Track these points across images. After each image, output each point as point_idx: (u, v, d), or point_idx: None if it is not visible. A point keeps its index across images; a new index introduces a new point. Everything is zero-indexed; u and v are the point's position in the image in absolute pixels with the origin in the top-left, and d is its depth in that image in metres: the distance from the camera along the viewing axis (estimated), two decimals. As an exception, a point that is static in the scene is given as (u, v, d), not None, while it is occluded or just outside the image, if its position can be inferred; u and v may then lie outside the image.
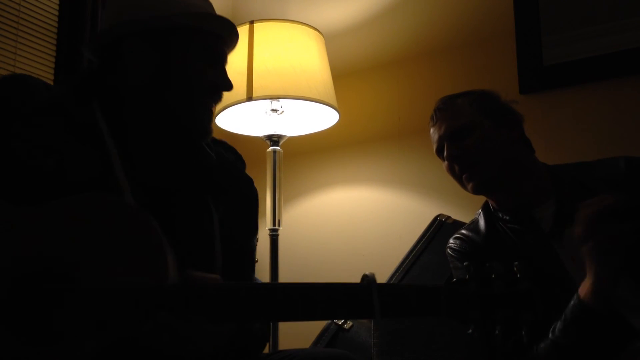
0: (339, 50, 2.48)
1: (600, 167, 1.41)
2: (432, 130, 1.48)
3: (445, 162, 1.46)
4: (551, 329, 1.19)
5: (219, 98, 1.14)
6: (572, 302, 1.14)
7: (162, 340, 0.84)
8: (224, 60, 1.15)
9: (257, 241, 1.26)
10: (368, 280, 0.84)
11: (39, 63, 2.01)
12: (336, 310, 0.84)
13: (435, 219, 2.03)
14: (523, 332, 0.84)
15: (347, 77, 2.46)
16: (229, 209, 1.16)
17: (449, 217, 2.01)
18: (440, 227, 1.97)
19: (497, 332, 0.83)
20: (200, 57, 1.09)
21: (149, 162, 1.09)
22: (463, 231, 1.52)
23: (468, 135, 1.40)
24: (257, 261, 1.28)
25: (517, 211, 1.40)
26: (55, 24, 2.08)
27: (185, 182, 1.09)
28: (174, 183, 1.07)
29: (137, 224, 0.87)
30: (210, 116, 1.12)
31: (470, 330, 0.84)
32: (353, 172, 2.42)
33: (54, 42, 2.07)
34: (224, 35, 1.14)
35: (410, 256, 1.95)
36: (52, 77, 2.05)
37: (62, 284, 0.82)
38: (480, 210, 1.50)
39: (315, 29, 2.17)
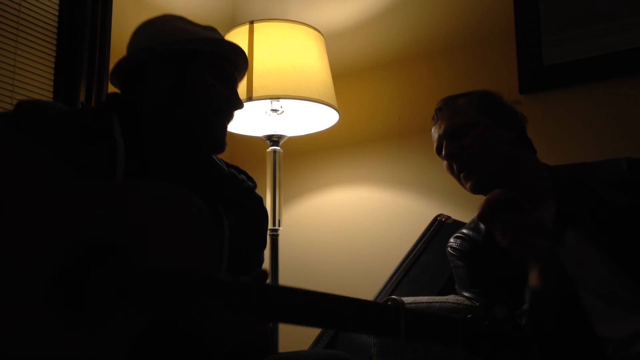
0: (339, 50, 2.48)
1: (601, 167, 1.41)
2: (433, 129, 1.49)
3: (445, 161, 1.46)
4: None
5: (231, 115, 1.25)
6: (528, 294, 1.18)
7: (202, 328, 0.88)
8: (235, 83, 1.27)
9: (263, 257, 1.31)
10: (396, 303, 0.92)
11: (39, 63, 2.01)
12: (365, 326, 0.93)
13: (435, 219, 2.02)
14: None
15: (347, 77, 2.46)
16: (239, 221, 1.21)
17: (449, 217, 2.01)
18: (440, 227, 1.97)
19: None
20: (214, 78, 1.21)
21: (163, 170, 1.16)
22: (464, 230, 1.52)
23: (466, 134, 1.40)
24: None
25: None
26: (55, 24, 2.08)
27: (197, 190, 1.11)
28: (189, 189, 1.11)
29: (202, 220, 0.94)
30: (223, 131, 1.24)
31: None
32: (353, 172, 2.42)
33: (54, 42, 2.07)
34: (235, 60, 1.27)
35: (410, 256, 1.95)
36: (52, 77, 2.05)
37: (122, 260, 0.87)
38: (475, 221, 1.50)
39: (315, 29, 2.17)
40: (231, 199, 1.22)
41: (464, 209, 2.10)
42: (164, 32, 1.22)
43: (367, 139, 2.41)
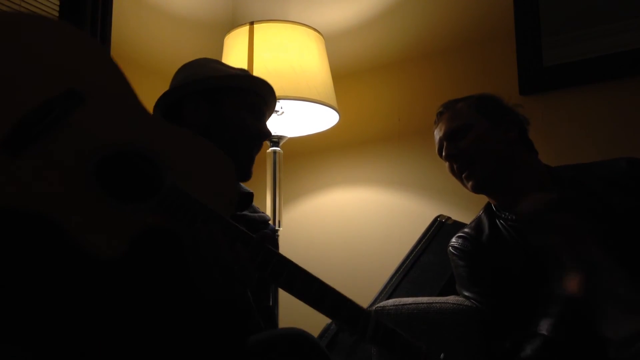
0: (339, 51, 2.48)
1: (601, 167, 1.42)
2: (434, 132, 1.53)
3: (447, 162, 1.49)
4: (538, 327, 1.20)
5: (260, 145, 1.36)
6: (557, 296, 1.19)
7: (201, 252, 0.97)
8: (264, 115, 1.39)
9: None
10: (373, 311, 1.02)
11: (38, 63, 2.01)
12: (339, 312, 1.01)
13: (436, 219, 2.02)
14: None
15: (347, 78, 2.47)
16: None
17: (449, 218, 2.01)
18: (440, 228, 1.97)
19: None
20: (245, 111, 1.32)
21: None
22: (466, 230, 1.53)
23: (465, 136, 1.44)
24: None
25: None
26: (55, 24, 2.08)
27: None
28: None
29: (222, 160, 1.09)
30: (251, 161, 1.34)
31: None
32: (353, 173, 2.42)
33: (54, 42, 2.07)
34: (265, 96, 1.39)
35: (410, 257, 1.95)
36: (52, 78, 2.05)
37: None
38: (482, 210, 1.52)
39: (316, 29, 2.17)
40: (251, 222, 1.34)
41: (464, 209, 2.10)
42: (200, 70, 1.35)
43: (367, 140, 2.41)
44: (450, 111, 1.50)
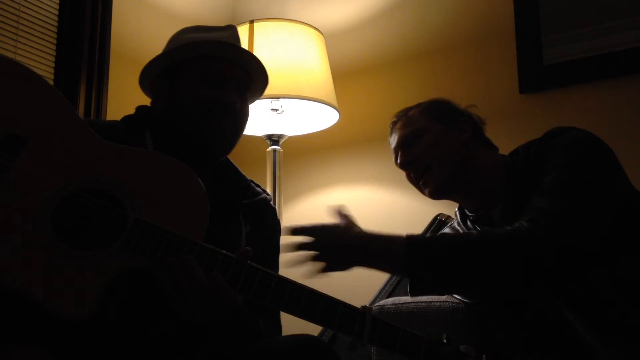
0: (339, 49, 2.48)
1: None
2: (390, 142, 1.50)
3: (404, 172, 1.46)
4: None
5: (226, 113, 1.21)
6: None
7: (178, 285, 0.94)
8: (226, 79, 1.23)
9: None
10: (366, 310, 1.00)
11: (39, 63, 2.02)
12: (332, 322, 1.00)
13: (435, 218, 2.03)
14: None
15: (347, 76, 2.46)
16: (256, 229, 1.26)
17: (448, 217, 2.01)
18: (440, 227, 1.97)
19: None
20: (200, 81, 1.21)
21: None
22: (446, 230, 1.53)
23: (418, 141, 1.41)
24: None
25: (480, 212, 1.39)
26: (55, 24, 2.08)
27: (221, 197, 1.20)
28: (210, 195, 1.16)
29: (194, 187, 1.03)
30: (218, 133, 1.21)
31: None
32: (353, 171, 2.42)
33: (54, 42, 2.07)
34: (226, 58, 1.24)
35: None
36: (52, 77, 2.05)
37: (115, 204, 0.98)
38: (456, 209, 1.50)
39: (316, 28, 2.17)
40: (251, 207, 1.26)
41: (463, 208, 2.10)
42: (165, 49, 1.28)
43: (367, 139, 2.41)
44: (402, 119, 1.47)
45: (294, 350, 1.00)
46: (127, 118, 1.25)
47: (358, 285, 2.23)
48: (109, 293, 0.95)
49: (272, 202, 1.37)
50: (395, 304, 1.49)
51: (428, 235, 1.42)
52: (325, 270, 1.21)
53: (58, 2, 2.09)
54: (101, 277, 0.93)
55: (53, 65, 2.06)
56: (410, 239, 1.18)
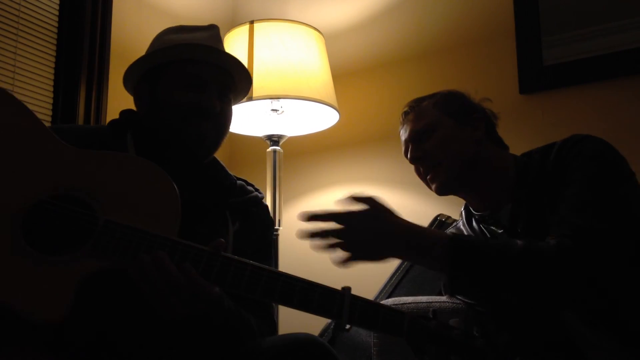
0: (339, 50, 2.48)
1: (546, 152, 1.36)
2: (400, 133, 1.47)
3: (412, 162, 1.44)
4: None
5: (206, 117, 1.21)
6: None
7: (151, 282, 0.94)
8: (206, 82, 1.22)
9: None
10: (345, 290, 0.99)
11: (39, 63, 2.01)
12: (309, 305, 0.98)
13: (436, 218, 2.02)
14: None
15: (347, 77, 2.46)
16: (244, 227, 1.25)
17: (449, 217, 2.01)
18: (440, 227, 1.97)
19: None
20: (179, 86, 1.21)
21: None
22: (450, 230, 1.51)
23: (430, 137, 1.38)
24: None
25: (486, 211, 1.38)
26: (55, 24, 2.08)
27: (205, 196, 1.21)
28: (192, 195, 1.17)
29: (163, 185, 1.04)
30: (198, 137, 1.21)
31: None
32: (353, 172, 2.42)
33: (54, 42, 2.07)
34: (207, 60, 1.23)
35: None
36: (52, 77, 2.05)
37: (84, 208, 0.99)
38: (462, 209, 1.49)
39: (316, 28, 2.17)
40: (238, 206, 1.25)
41: (464, 208, 2.10)
42: (147, 51, 1.28)
43: (367, 139, 2.41)
44: (414, 111, 1.43)
45: (291, 349, 1.00)
46: (111, 122, 1.26)
47: (358, 285, 2.23)
48: (85, 295, 0.95)
49: (264, 200, 1.35)
50: (395, 304, 1.49)
51: (468, 236, 1.38)
52: (351, 259, 1.18)
53: (58, 2, 2.09)
54: (73, 279, 0.93)
55: (53, 65, 2.06)
56: (455, 241, 1.15)
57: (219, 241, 1.00)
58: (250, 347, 1.06)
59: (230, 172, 1.32)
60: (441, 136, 1.37)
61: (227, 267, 0.98)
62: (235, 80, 1.29)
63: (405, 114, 1.46)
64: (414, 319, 0.99)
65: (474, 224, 1.42)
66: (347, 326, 0.99)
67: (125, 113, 1.28)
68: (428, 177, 1.40)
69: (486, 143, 1.39)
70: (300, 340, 1.01)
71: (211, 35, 1.28)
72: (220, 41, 1.30)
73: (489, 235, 1.38)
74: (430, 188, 1.42)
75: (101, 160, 1.05)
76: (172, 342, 1.07)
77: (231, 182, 1.30)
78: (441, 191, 1.39)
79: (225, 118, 1.27)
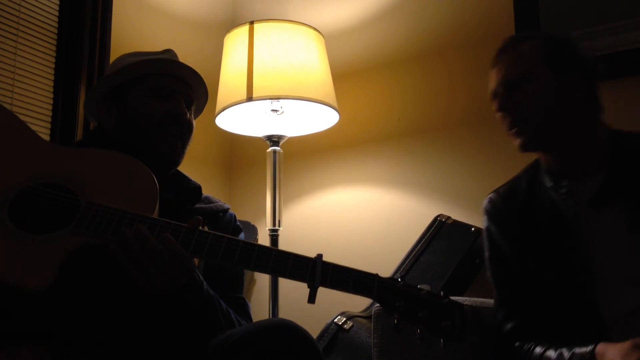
0: (339, 50, 2.48)
1: None
2: (491, 71, 1.34)
3: (498, 111, 1.33)
4: (565, 350, 1.19)
5: (178, 125, 1.28)
6: (586, 351, 1.15)
7: (130, 252, 0.99)
8: (176, 93, 1.30)
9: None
10: (318, 257, 1.04)
11: (39, 63, 2.01)
12: (283, 269, 1.03)
13: (436, 219, 2.03)
14: (441, 340, 1.02)
15: (347, 77, 2.47)
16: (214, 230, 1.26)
17: (449, 218, 2.01)
18: (440, 228, 1.97)
19: (418, 330, 1.02)
20: (149, 97, 1.27)
21: None
22: (501, 190, 1.43)
23: (524, 87, 1.26)
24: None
25: (565, 177, 1.30)
26: (55, 24, 2.08)
27: (170, 202, 1.25)
28: (163, 201, 1.22)
29: (140, 172, 1.11)
30: (172, 147, 1.28)
31: (395, 320, 1.01)
32: (353, 172, 2.42)
33: (54, 42, 2.07)
34: (173, 73, 1.31)
35: (411, 256, 1.95)
36: (52, 77, 2.05)
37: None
38: (525, 170, 1.40)
39: (315, 29, 2.17)
40: (206, 212, 1.31)
41: (464, 209, 2.10)
42: (108, 73, 1.35)
43: (367, 139, 2.41)
44: (512, 53, 1.30)
45: (269, 330, 1.01)
46: (77, 142, 1.35)
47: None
48: (70, 269, 1.00)
49: (231, 211, 1.42)
50: (396, 305, 1.48)
51: None
52: None
53: (58, 2, 2.08)
54: (58, 253, 1.00)
55: (53, 65, 2.06)
56: None
57: (196, 218, 1.06)
58: (228, 332, 1.08)
59: (191, 179, 1.38)
60: (537, 89, 1.26)
61: (205, 239, 1.04)
62: (196, 94, 1.38)
63: (502, 52, 1.34)
64: (383, 279, 1.04)
65: (541, 189, 1.33)
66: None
67: (91, 132, 1.37)
68: (513, 130, 1.29)
69: (584, 105, 1.27)
70: (276, 324, 1.03)
71: (171, 56, 1.37)
72: (177, 59, 1.38)
73: (551, 206, 1.30)
74: (510, 138, 1.32)
75: (79, 154, 1.15)
76: (152, 323, 1.10)
77: (195, 186, 1.35)
78: (525, 148, 1.30)
79: (192, 126, 1.34)
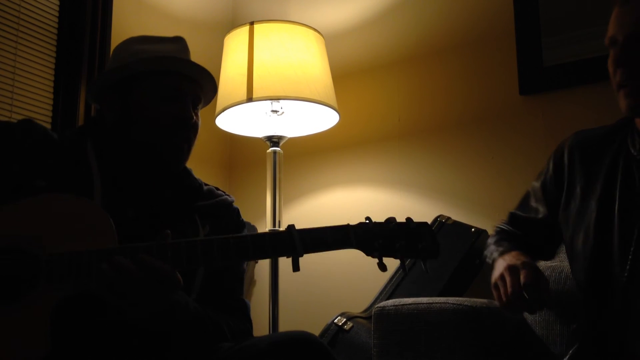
0: (339, 51, 2.48)
1: None
2: (617, 11, 1.16)
3: (611, 58, 1.19)
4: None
5: (181, 128, 1.24)
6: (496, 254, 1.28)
7: (113, 283, 0.96)
8: (183, 94, 1.25)
9: (247, 266, 1.35)
10: (290, 227, 1.07)
11: (39, 63, 2.01)
12: (265, 251, 1.06)
13: (436, 219, 2.02)
14: (422, 262, 1.11)
15: (347, 78, 2.46)
16: (214, 230, 1.27)
17: (449, 218, 2.01)
18: (440, 228, 1.97)
19: (399, 260, 1.09)
20: (156, 94, 1.22)
21: (135, 186, 1.23)
22: (588, 131, 1.37)
23: None
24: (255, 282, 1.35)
25: None
26: (55, 24, 2.08)
27: (172, 201, 1.24)
28: (161, 201, 1.22)
29: (90, 211, 1.06)
30: (178, 147, 1.24)
31: (377, 258, 1.08)
32: (353, 173, 2.42)
33: (54, 42, 2.07)
34: (181, 72, 1.25)
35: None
36: (52, 77, 2.05)
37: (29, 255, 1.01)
38: (615, 126, 1.30)
39: (316, 29, 2.17)
40: (207, 209, 1.28)
41: (464, 209, 2.10)
42: (114, 60, 1.28)
43: (367, 140, 2.41)
44: None
45: (287, 344, 1.01)
46: (78, 129, 1.30)
47: (358, 287, 2.23)
48: (61, 324, 0.98)
49: (234, 204, 1.37)
50: (396, 305, 1.48)
51: None
52: None
53: (58, 2, 2.09)
54: (42, 314, 0.96)
55: (53, 65, 2.06)
56: None
57: (164, 232, 1.04)
58: (249, 342, 1.08)
59: (196, 177, 1.34)
60: None
61: (178, 248, 1.02)
62: (204, 90, 1.33)
63: None
64: (355, 226, 1.10)
65: (632, 151, 1.24)
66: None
67: (91, 121, 1.31)
68: (624, 89, 1.16)
69: None
70: (297, 337, 1.03)
71: (181, 48, 1.31)
72: (189, 53, 1.33)
73: (624, 170, 1.22)
74: (615, 95, 1.19)
75: (17, 209, 1.06)
76: (149, 346, 1.09)
77: (198, 185, 1.32)
78: (632, 112, 1.19)
79: (197, 128, 1.30)
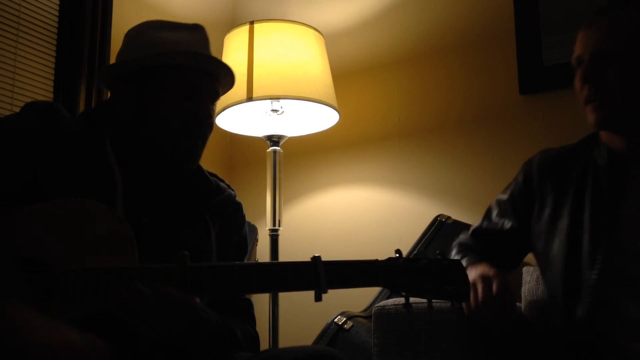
0: (339, 50, 2.48)
1: None
2: (581, 33, 1.22)
3: (577, 77, 1.24)
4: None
5: (198, 127, 1.19)
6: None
7: (131, 309, 0.93)
8: (202, 92, 1.20)
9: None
10: (315, 259, 1.01)
11: (39, 63, 2.01)
12: (287, 284, 1.00)
13: (436, 219, 2.02)
14: (451, 302, 1.05)
15: (347, 77, 2.47)
16: (223, 229, 1.26)
17: (449, 218, 2.01)
18: (440, 228, 1.97)
19: (427, 300, 1.04)
20: (174, 91, 1.17)
21: (151, 184, 1.19)
22: (553, 150, 1.42)
23: (616, 62, 1.16)
24: None
25: (624, 159, 1.24)
26: (55, 24, 2.08)
27: (185, 202, 1.21)
28: (176, 202, 1.19)
29: (110, 218, 1.01)
30: (193, 145, 1.19)
31: (404, 299, 1.04)
32: (353, 172, 2.42)
33: (54, 42, 2.07)
34: (200, 65, 1.20)
35: (411, 257, 1.95)
36: (52, 77, 2.05)
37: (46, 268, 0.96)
38: (581, 142, 1.36)
39: (316, 29, 2.17)
40: (217, 208, 1.26)
41: (464, 209, 2.10)
42: (129, 48, 1.22)
43: (367, 139, 2.41)
44: (611, 20, 1.17)
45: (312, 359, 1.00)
46: (82, 114, 1.24)
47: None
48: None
49: (237, 198, 1.34)
50: (396, 305, 1.48)
51: None
52: None
53: (58, 2, 2.08)
54: (68, 337, 0.90)
55: (53, 65, 2.05)
56: None
57: (182, 254, 0.99)
58: (270, 354, 1.08)
59: (206, 173, 1.30)
60: (630, 69, 1.16)
61: (198, 274, 0.97)
62: (222, 83, 1.28)
63: (599, 15, 1.21)
64: (384, 262, 1.05)
65: (589, 167, 1.29)
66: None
67: (100, 111, 1.24)
68: (591, 104, 1.20)
69: None
70: (321, 353, 1.03)
71: (200, 38, 1.25)
72: (208, 42, 1.27)
73: (600, 185, 1.26)
74: (583, 110, 1.24)
75: (41, 215, 1.01)
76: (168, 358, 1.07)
77: (210, 188, 1.28)
78: (599, 126, 1.23)
79: (213, 125, 1.25)
